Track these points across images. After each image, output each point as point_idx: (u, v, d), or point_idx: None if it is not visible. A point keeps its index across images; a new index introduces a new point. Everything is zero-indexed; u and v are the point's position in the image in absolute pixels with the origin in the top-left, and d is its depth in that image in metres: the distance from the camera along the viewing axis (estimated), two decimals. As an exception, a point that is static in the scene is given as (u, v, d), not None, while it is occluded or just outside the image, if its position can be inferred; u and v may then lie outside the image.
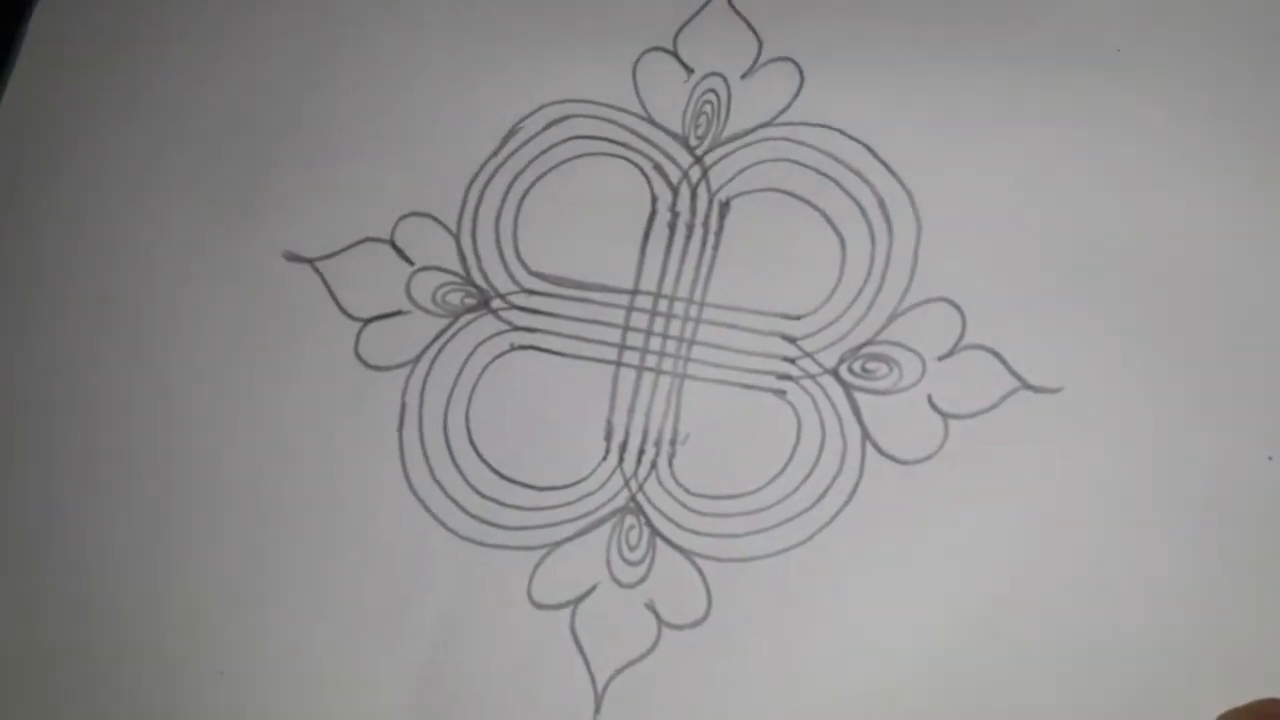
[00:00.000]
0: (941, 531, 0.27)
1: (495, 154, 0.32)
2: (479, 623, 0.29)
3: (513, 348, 0.31)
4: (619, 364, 0.30)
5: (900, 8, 0.31)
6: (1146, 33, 0.29)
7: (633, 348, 0.30)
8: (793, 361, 0.29)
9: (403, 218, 0.32)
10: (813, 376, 0.29)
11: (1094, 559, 0.27)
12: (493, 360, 0.31)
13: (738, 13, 0.32)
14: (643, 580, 0.29)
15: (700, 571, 0.28)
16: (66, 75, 0.35)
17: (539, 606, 0.29)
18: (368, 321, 0.31)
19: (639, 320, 0.30)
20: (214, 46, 0.34)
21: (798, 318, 0.29)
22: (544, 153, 0.32)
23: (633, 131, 0.32)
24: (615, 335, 0.30)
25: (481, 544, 0.30)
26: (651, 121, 0.32)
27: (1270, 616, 0.26)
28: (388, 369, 0.31)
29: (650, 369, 0.30)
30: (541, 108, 0.32)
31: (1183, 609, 0.26)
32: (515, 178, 0.32)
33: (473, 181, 0.32)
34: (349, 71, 0.33)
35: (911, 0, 0.31)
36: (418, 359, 0.31)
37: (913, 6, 0.31)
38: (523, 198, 0.32)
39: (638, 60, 0.32)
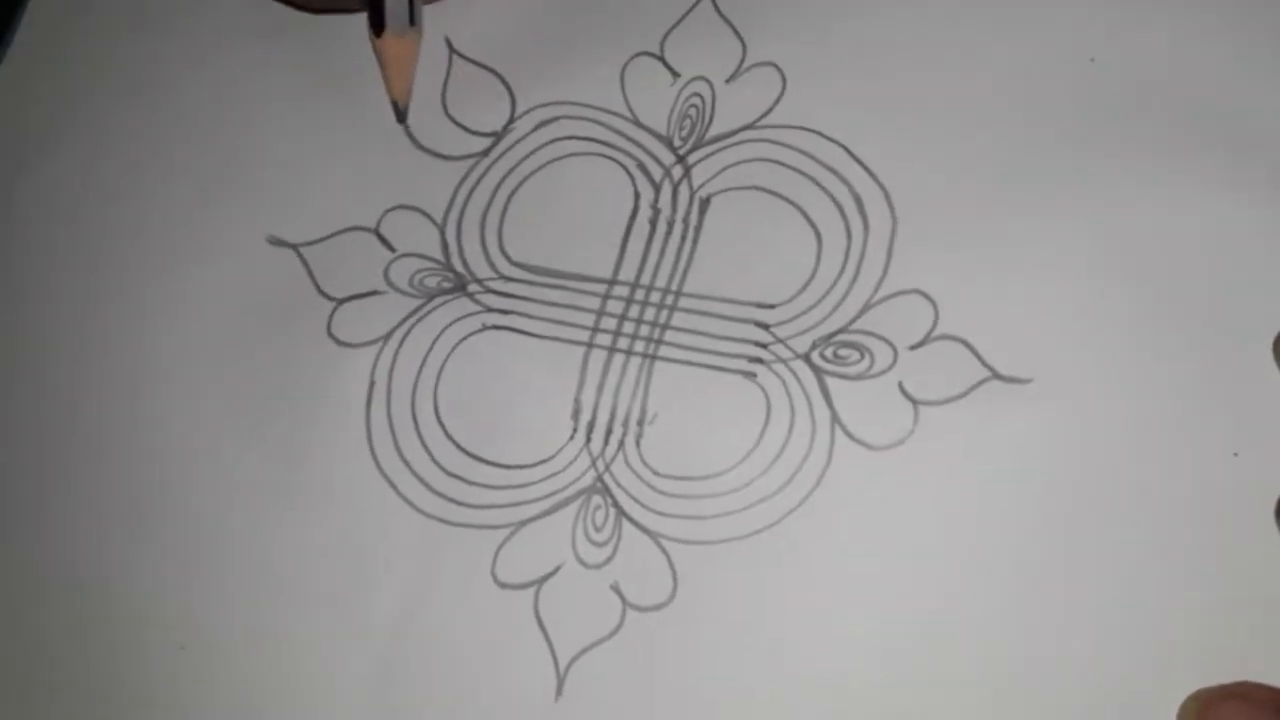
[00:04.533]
0: (909, 517, 0.29)
1: (486, 153, 0.34)
2: (442, 601, 0.30)
3: (484, 328, 0.32)
4: (590, 345, 0.32)
5: (879, 15, 0.33)
6: (1120, 42, 0.32)
7: (605, 330, 0.32)
8: (764, 346, 0.31)
9: (389, 210, 0.34)
10: (784, 361, 0.31)
11: (1059, 550, 0.28)
12: (463, 339, 0.32)
13: (723, 18, 0.35)
14: (608, 561, 0.30)
15: (666, 553, 0.30)
16: (61, 56, 0.37)
17: (502, 586, 0.30)
18: (342, 301, 0.33)
19: (614, 307, 0.32)
20: (211, 34, 0.37)
21: (772, 306, 0.31)
22: (533, 153, 0.34)
23: (619, 133, 0.34)
24: (589, 320, 0.32)
25: (446, 522, 0.31)
26: (637, 123, 0.34)
27: (1234, 609, 0.27)
28: (358, 346, 0.33)
29: (621, 350, 0.32)
30: (531, 110, 0.35)
31: (1147, 600, 0.28)
32: (504, 176, 0.34)
33: (463, 180, 0.34)
34: (344, 73, 0.36)
35: (890, 8, 0.33)
36: (388, 336, 0.33)
37: (891, 14, 0.33)
38: (510, 195, 0.34)
39: (626, 65, 0.35)
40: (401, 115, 0.34)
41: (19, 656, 0.32)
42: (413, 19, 0.34)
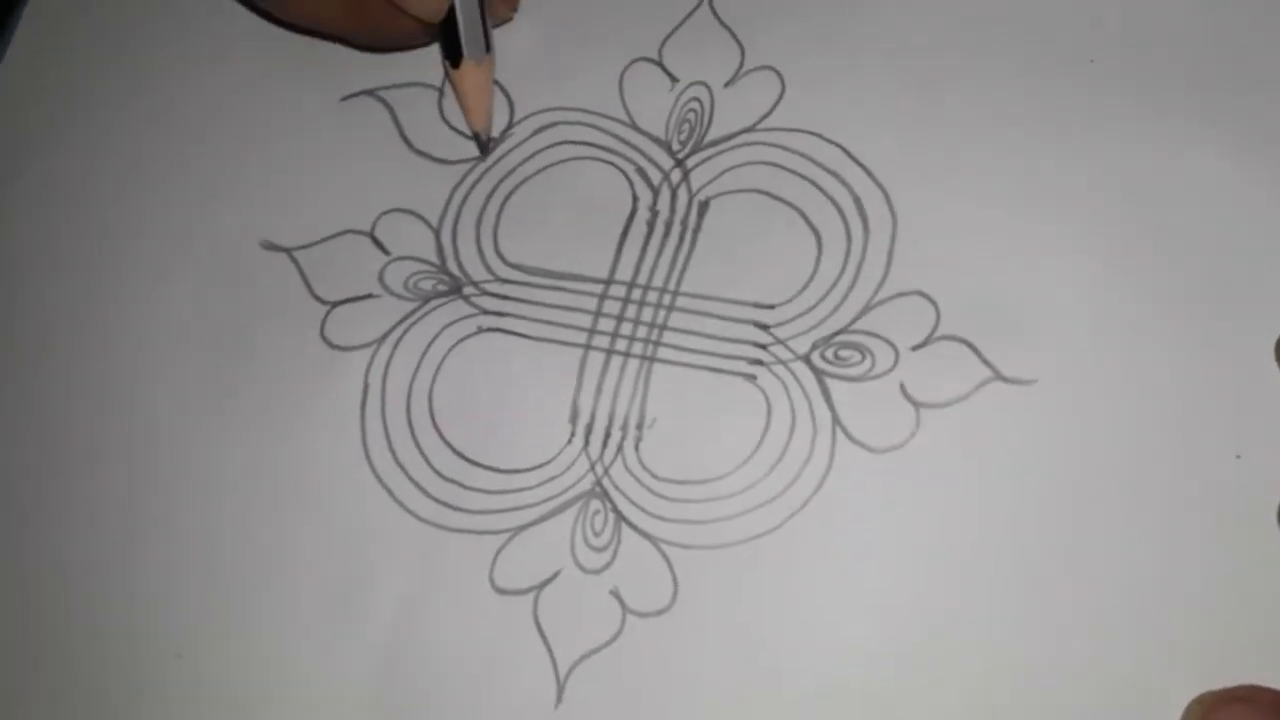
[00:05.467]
0: (911, 520, 0.29)
1: (482, 158, 0.34)
2: (440, 608, 0.30)
3: (480, 330, 0.32)
4: (588, 347, 0.32)
5: (877, 19, 0.34)
6: (1119, 42, 0.32)
7: (603, 332, 0.32)
8: (764, 348, 0.31)
9: (385, 213, 0.34)
10: (784, 362, 0.31)
11: (1062, 552, 0.28)
12: (459, 342, 0.32)
13: (721, 23, 0.35)
14: (607, 566, 0.30)
15: (666, 558, 0.30)
16: (58, 58, 0.37)
17: (501, 592, 0.30)
18: (336, 304, 0.33)
19: (611, 307, 0.32)
20: (207, 37, 0.37)
21: (771, 307, 0.31)
22: (530, 157, 0.34)
23: (617, 138, 0.34)
24: (586, 321, 0.32)
25: (443, 527, 0.31)
26: (636, 128, 0.34)
27: (1238, 612, 0.27)
28: (352, 349, 0.33)
29: (619, 352, 0.31)
30: (530, 115, 0.35)
31: (1151, 604, 0.28)
32: (501, 180, 0.34)
33: (459, 183, 0.34)
34: (341, 75, 0.36)
35: (889, 10, 0.34)
36: (382, 339, 0.33)
37: (890, 17, 0.34)
38: (506, 198, 0.34)
39: (624, 70, 0.35)
40: (485, 146, 0.34)
41: (16, 666, 0.31)
42: (488, 45, 0.33)
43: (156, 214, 0.35)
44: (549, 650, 0.29)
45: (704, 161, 0.33)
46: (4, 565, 0.32)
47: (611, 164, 0.34)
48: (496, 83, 0.35)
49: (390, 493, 0.31)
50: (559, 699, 0.29)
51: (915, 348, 0.30)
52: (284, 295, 0.33)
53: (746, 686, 0.29)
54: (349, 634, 0.30)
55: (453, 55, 0.33)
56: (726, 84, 0.34)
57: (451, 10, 0.32)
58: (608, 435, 0.31)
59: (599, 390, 0.31)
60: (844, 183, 0.32)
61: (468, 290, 0.33)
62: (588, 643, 0.29)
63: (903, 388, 0.30)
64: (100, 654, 0.31)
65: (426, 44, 0.34)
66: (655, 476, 0.30)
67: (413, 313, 0.33)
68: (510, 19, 0.35)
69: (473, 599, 0.30)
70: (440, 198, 0.34)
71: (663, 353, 0.31)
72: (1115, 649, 0.27)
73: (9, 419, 0.34)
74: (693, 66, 0.34)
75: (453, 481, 0.31)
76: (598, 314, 0.32)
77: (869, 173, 0.32)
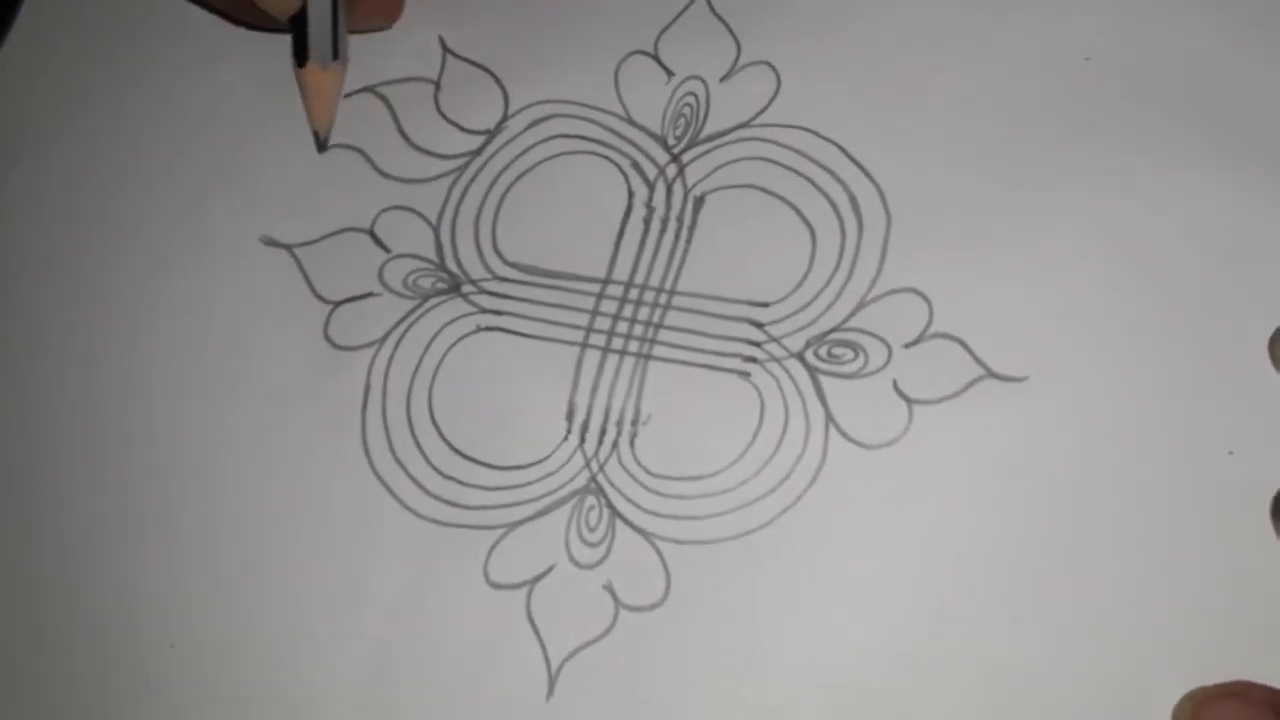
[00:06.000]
0: (903, 516, 0.29)
1: (478, 152, 0.35)
2: (434, 602, 0.31)
3: (479, 329, 0.33)
4: (584, 345, 0.32)
5: (875, 15, 0.34)
6: (1115, 41, 0.32)
7: (599, 330, 0.32)
8: (758, 345, 0.31)
9: (384, 210, 0.34)
10: (778, 360, 0.31)
11: (1054, 548, 0.28)
12: (458, 341, 0.33)
13: (718, 17, 0.35)
14: (601, 561, 0.30)
15: (660, 553, 0.30)
16: (57, 54, 0.38)
17: (495, 586, 0.31)
18: (338, 304, 0.33)
19: (608, 307, 0.32)
20: (207, 33, 0.37)
21: (765, 305, 0.32)
22: (526, 151, 0.35)
23: (613, 131, 0.34)
24: (583, 320, 0.32)
25: (440, 523, 0.31)
26: (631, 122, 0.34)
27: (1230, 608, 0.27)
28: (354, 349, 0.33)
29: (615, 350, 0.32)
30: (525, 108, 0.35)
31: (1143, 600, 0.28)
32: (498, 175, 0.34)
33: (457, 179, 0.34)
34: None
35: (886, 7, 0.34)
36: (384, 339, 0.33)
37: (887, 13, 0.34)
38: (504, 194, 0.34)
39: (620, 63, 0.35)
40: (322, 145, 0.34)
41: (9, 654, 0.32)
42: (336, 53, 0.33)
43: (156, 210, 0.35)
44: (541, 644, 0.30)
45: (699, 157, 0.34)
46: (3, 564, 0.33)
47: (607, 158, 0.34)
48: (491, 74, 0.35)
49: (390, 490, 0.32)
50: (550, 692, 0.30)
51: (908, 345, 0.31)
52: (285, 293, 0.34)
53: (738, 681, 0.29)
54: (344, 627, 0.31)
55: (299, 55, 0.33)
56: (722, 79, 0.34)
57: (304, 11, 0.32)
58: (603, 432, 0.31)
59: (595, 388, 0.32)
60: (839, 180, 0.32)
61: (466, 289, 0.33)
62: (580, 637, 0.30)
63: (895, 385, 0.30)
64: (99, 650, 0.32)
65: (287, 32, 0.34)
66: (649, 473, 0.31)
67: (413, 311, 0.33)
68: (387, 28, 0.35)
69: (467, 593, 0.30)
70: (439, 194, 0.34)
71: (658, 350, 0.32)
72: (1106, 644, 0.28)
73: (6, 416, 0.34)
74: (689, 60, 0.35)
75: (451, 479, 0.32)
76: (594, 312, 0.32)
77: (864, 170, 0.32)
